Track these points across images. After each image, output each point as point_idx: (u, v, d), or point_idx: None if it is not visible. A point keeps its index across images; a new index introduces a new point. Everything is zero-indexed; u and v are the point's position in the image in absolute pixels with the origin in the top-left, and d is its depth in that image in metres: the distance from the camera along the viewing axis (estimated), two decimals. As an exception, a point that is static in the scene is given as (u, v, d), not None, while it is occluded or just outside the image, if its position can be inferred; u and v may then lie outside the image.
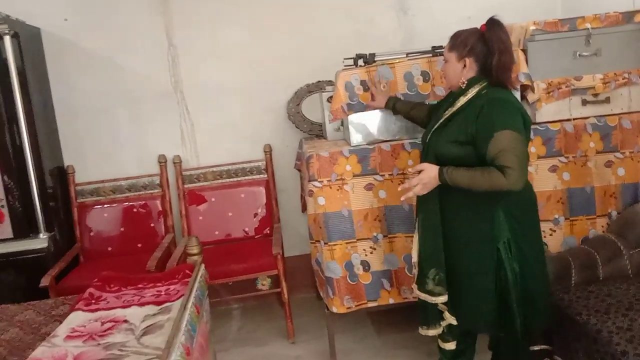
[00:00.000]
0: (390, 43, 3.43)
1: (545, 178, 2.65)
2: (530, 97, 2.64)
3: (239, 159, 3.54)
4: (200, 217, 3.44)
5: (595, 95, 2.68)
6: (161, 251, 3.11)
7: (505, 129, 1.92)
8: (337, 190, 2.64)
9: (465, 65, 2.06)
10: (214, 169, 3.51)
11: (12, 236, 3.03)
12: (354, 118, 2.68)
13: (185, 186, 3.48)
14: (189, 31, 3.43)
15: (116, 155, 3.50)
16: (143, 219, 3.44)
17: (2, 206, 3.00)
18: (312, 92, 3.47)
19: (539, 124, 2.64)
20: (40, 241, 3.06)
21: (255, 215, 3.48)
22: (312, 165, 2.64)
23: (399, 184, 2.64)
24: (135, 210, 3.44)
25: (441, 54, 2.69)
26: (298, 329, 3.18)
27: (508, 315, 2.09)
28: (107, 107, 3.46)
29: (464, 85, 2.07)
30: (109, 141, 3.49)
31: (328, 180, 2.64)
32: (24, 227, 3.04)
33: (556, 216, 2.68)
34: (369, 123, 2.68)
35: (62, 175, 3.43)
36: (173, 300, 2.26)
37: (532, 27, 2.63)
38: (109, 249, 3.40)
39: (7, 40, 2.87)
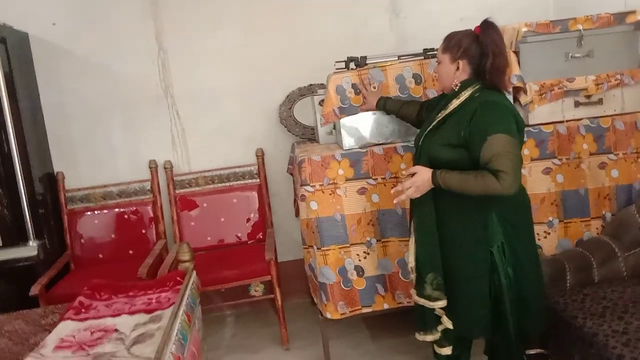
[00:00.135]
0: (383, 45, 3.41)
1: (538, 180, 2.63)
2: (523, 99, 2.63)
3: (231, 164, 3.51)
4: (192, 223, 3.41)
5: (588, 96, 2.67)
6: (152, 258, 3.07)
7: (499, 132, 1.90)
8: (330, 194, 2.62)
9: (458, 68, 2.04)
10: (206, 173, 3.48)
11: (1, 244, 2.99)
12: (346, 121, 2.66)
13: (177, 191, 3.45)
14: (179, 35, 3.40)
15: (107, 161, 3.47)
16: (134, 225, 3.40)
17: (-9, 214, 2.96)
18: (304, 95, 3.45)
19: (531, 126, 2.63)
20: (30, 249, 3.02)
21: (248, 220, 3.45)
22: (304, 169, 2.61)
23: (392, 188, 2.63)
24: (126, 216, 3.41)
25: (433, 57, 2.68)
26: (292, 335, 3.15)
27: (502, 320, 2.07)
28: (97, 112, 3.42)
29: (457, 87, 2.05)
30: (100, 147, 3.45)
31: (320, 185, 2.61)
32: (13, 235, 3.00)
33: (550, 219, 2.66)
34: (361, 126, 2.66)
35: (52, 181, 3.39)
36: (164, 309, 2.23)
37: (524, 29, 2.61)
38: (100, 256, 3.36)
39: (-6, 45, 2.84)
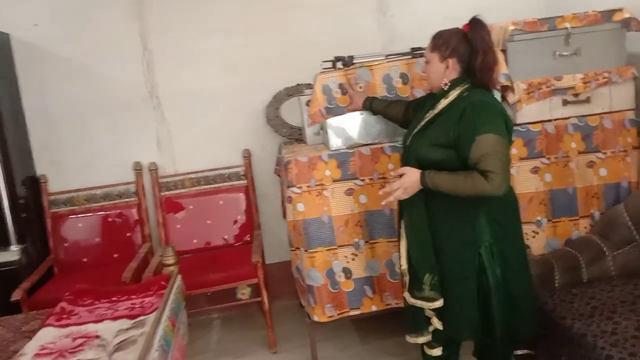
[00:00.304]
0: (371, 45, 3.38)
1: (527, 180, 2.61)
2: (511, 98, 2.60)
3: (217, 165, 3.47)
4: (178, 226, 3.36)
5: (576, 95, 2.66)
6: (137, 261, 3.03)
7: (488, 132, 1.87)
8: (317, 196, 2.58)
9: (448, 66, 2.01)
10: (192, 175, 3.44)
11: (-17, 249, 2.93)
12: (333, 122, 2.63)
13: (162, 194, 3.40)
14: (164, 36, 3.36)
15: (91, 163, 3.41)
16: (119, 228, 3.35)
17: (-28, 218, 2.91)
18: (291, 95, 3.42)
19: (519, 125, 2.61)
20: (12, 254, 2.97)
21: (235, 222, 3.41)
22: (291, 170, 2.58)
23: (380, 189, 2.59)
24: (110, 219, 3.35)
25: (420, 56, 2.66)
26: (280, 338, 3.11)
27: (491, 322, 2.04)
28: (81, 114, 3.36)
29: (447, 86, 2.02)
30: (83, 149, 3.40)
31: (307, 186, 2.58)
32: (-6, 239, 2.95)
33: (538, 218, 2.65)
34: (348, 127, 2.63)
35: (35, 185, 3.33)
36: (147, 314, 2.20)
37: (512, 27, 2.60)
38: (84, 260, 3.30)
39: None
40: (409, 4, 3.52)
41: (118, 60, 3.34)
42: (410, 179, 1.99)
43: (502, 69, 2.53)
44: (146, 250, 3.26)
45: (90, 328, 2.17)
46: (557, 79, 2.63)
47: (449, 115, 1.98)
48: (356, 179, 2.61)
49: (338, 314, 2.63)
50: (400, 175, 2.03)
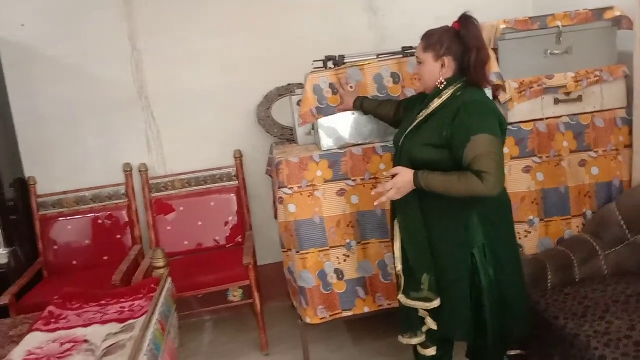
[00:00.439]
0: (362, 44, 3.35)
1: (519, 179, 2.60)
2: (502, 97, 2.59)
3: (208, 166, 3.44)
4: (169, 227, 3.33)
5: (568, 94, 2.65)
6: (127, 264, 3.00)
7: (483, 132, 1.86)
8: (308, 196, 2.56)
9: (443, 65, 1.98)
10: (182, 176, 3.41)
11: (-30, 252, 2.90)
12: (324, 122, 2.61)
13: (152, 195, 3.37)
14: (154, 35, 3.32)
15: (80, 165, 3.37)
16: (109, 230, 3.32)
17: (-41, 221, 2.87)
18: (283, 95, 3.40)
19: (511, 124, 2.60)
20: (0, 257, 2.93)
21: (227, 223, 3.38)
22: (282, 171, 2.56)
23: (372, 189, 2.58)
24: (100, 221, 3.32)
25: (411, 55, 2.64)
26: (273, 340, 3.09)
27: (483, 323, 2.03)
28: (70, 115, 3.32)
29: (443, 85, 2.00)
30: (73, 151, 3.36)
31: (298, 187, 2.56)
32: (-19, 242, 2.91)
33: (531, 217, 2.64)
34: (339, 127, 2.61)
35: (24, 187, 3.29)
36: (137, 317, 2.17)
37: (503, 26, 2.59)
38: (74, 262, 3.27)
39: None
40: (400, 4, 3.50)
41: (107, 60, 3.30)
42: (403, 179, 1.96)
43: (494, 67, 2.52)
44: (136, 252, 3.23)
45: (79, 332, 2.14)
46: (548, 77, 2.62)
47: (443, 115, 1.96)
48: (348, 179, 2.59)
49: (330, 316, 2.61)
50: (393, 176, 2.01)
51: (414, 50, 2.65)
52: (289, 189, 2.55)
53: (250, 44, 3.40)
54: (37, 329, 2.18)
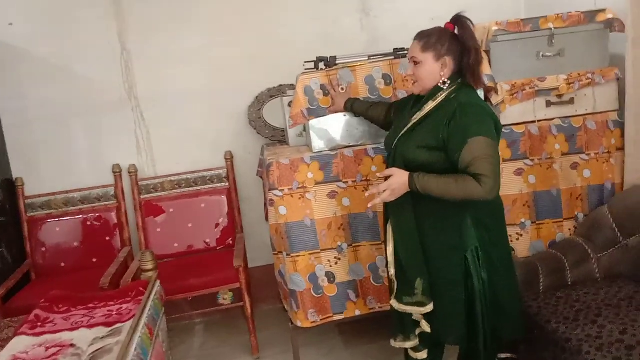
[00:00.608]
0: (354, 45, 3.35)
1: (510, 182, 2.59)
2: (494, 99, 2.58)
3: (199, 167, 3.41)
4: (159, 229, 3.30)
5: (560, 96, 2.64)
6: (116, 266, 2.97)
7: (479, 135, 1.84)
8: (299, 199, 2.54)
9: (444, 65, 1.96)
10: (172, 178, 3.38)
11: (-45, 255, 2.86)
12: (315, 123, 2.58)
13: (142, 197, 3.33)
14: (143, 35, 3.29)
15: (69, 165, 3.33)
16: (98, 232, 3.28)
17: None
18: (274, 96, 3.37)
19: (503, 126, 2.54)
20: (-14, 259, 2.90)
21: (217, 225, 3.36)
22: (272, 173, 2.53)
23: (363, 191, 2.57)
24: (89, 223, 3.28)
25: (403, 56, 2.62)
26: (264, 343, 3.07)
27: (475, 326, 2.01)
28: (58, 115, 3.29)
29: (446, 84, 1.97)
30: (61, 151, 3.32)
31: (289, 189, 2.53)
32: (-32, 244, 2.88)
33: (523, 220, 2.63)
34: (331, 128, 2.59)
35: (11, 188, 3.25)
36: (124, 321, 2.14)
37: (495, 28, 2.58)
38: (63, 264, 3.23)
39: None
40: (392, 5, 3.49)
41: (96, 60, 3.27)
42: (398, 181, 1.93)
43: (486, 69, 2.51)
44: (125, 254, 3.19)
45: (65, 336, 2.10)
46: (540, 79, 2.61)
47: (438, 117, 1.93)
48: (339, 181, 2.57)
49: (321, 320, 2.59)
50: (386, 178, 1.98)
51: (405, 52, 2.64)
52: (280, 190, 2.53)
53: (241, 44, 3.37)
54: (23, 333, 2.15)
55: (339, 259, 2.59)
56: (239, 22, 3.37)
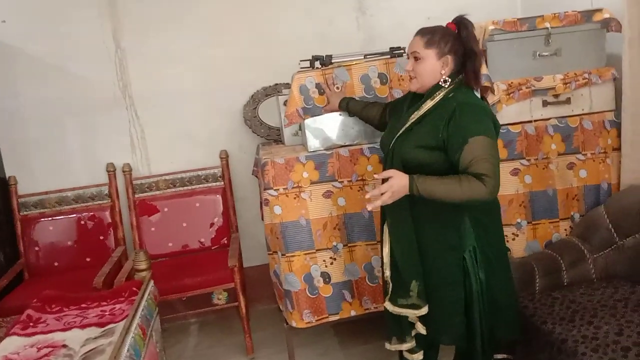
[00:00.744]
0: (351, 44, 3.33)
1: (506, 181, 2.58)
2: (490, 98, 2.57)
3: (194, 166, 3.39)
4: (153, 229, 3.28)
5: (556, 96, 2.64)
6: (110, 266, 2.94)
7: (480, 134, 1.82)
8: (294, 198, 2.52)
9: (446, 63, 1.94)
10: (167, 177, 3.36)
11: (-53, 254, 2.83)
12: (311, 122, 2.57)
13: (136, 196, 3.31)
14: (138, 33, 3.27)
15: (62, 164, 3.31)
16: (92, 231, 3.25)
17: None
18: (270, 95, 3.36)
19: (500, 126, 2.57)
20: (-21, 258, 2.88)
21: (212, 225, 3.34)
22: (267, 172, 2.51)
23: (359, 191, 2.55)
24: (83, 222, 3.26)
25: (399, 55, 2.61)
26: (259, 343, 3.05)
27: (473, 326, 2.00)
28: (52, 114, 3.26)
29: (447, 83, 1.95)
30: (55, 150, 3.29)
31: (284, 189, 2.51)
32: (-41, 244, 2.85)
33: (518, 220, 2.62)
34: (326, 127, 2.57)
35: (4, 187, 3.22)
36: (117, 322, 2.12)
37: (491, 27, 2.56)
38: (56, 264, 3.21)
39: None
40: (388, 4, 3.48)
41: (90, 58, 3.24)
42: (398, 183, 1.86)
43: (482, 69, 2.49)
44: (120, 254, 3.17)
45: (57, 337, 2.08)
46: (537, 79, 2.60)
47: (437, 116, 1.92)
48: (335, 180, 2.56)
49: (316, 320, 2.57)
50: (383, 180, 1.94)
51: (402, 51, 2.63)
52: (275, 190, 2.51)
53: (237, 43, 3.35)
54: (15, 333, 2.12)
55: (335, 259, 2.58)
56: (235, 21, 3.35)
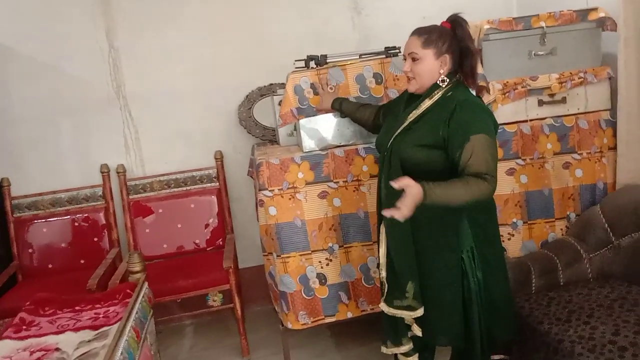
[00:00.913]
0: (346, 44, 3.32)
1: (502, 181, 2.56)
2: (486, 98, 2.56)
3: (188, 167, 3.37)
4: (147, 230, 3.26)
5: (552, 95, 2.63)
6: (104, 268, 2.92)
7: (480, 133, 1.81)
8: (289, 199, 2.51)
9: (444, 63, 1.93)
10: (161, 178, 3.34)
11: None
12: (306, 122, 2.55)
13: (130, 197, 3.29)
14: (131, 33, 3.25)
15: (56, 165, 3.28)
16: (86, 233, 3.23)
17: None
18: (264, 95, 3.34)
19: (496, 125, 2.57)
20: (-28, 261, 2.86)
21: (207, 226, 3.32)
22: (262, 173, 2.50)
23: (354, 191, 2.55)
24: (77, 224, 3.24)
25: (395, 55, 2.60)
26: (254, 345, 3.04)
27: (471, 327, 1.99)
28: (45, 114, 3.24)
29: (445, 82, 1.94)
30: (48, 151, 3.27)
31: (279, 189, 2.50)
32: (-48, 246, 2.83)
33: (514, 220, 2.61)
34: (321, 128, 2.56)
35: (-3, 188, 3.20)
36: (111, 324, 2.10)
37: (486, 26, 2.55)
38: (50, 266, 3.19)
39: None
40: (383, 3, 3.47)
41: (83, 58, 3.22)
42: (417, 192, 1.74)
43: (478, 68, 2.49)
44: (114, 255, 3.15)
45: (51, 340, 2.06)
46: (532, 79, 2.59)
47: (436, 115, 1.90)
48: (330, 181, 2.54)
49: (312, 322, 2.56)
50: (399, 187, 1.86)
51: (397, 51, 2.62)
52: (270, 191, 2.50)
53: (231, 43, 3.34)
54: (7, 337, 2.10)
55: (330, 260, 2.57)
56: (230, 20, 3.33)
